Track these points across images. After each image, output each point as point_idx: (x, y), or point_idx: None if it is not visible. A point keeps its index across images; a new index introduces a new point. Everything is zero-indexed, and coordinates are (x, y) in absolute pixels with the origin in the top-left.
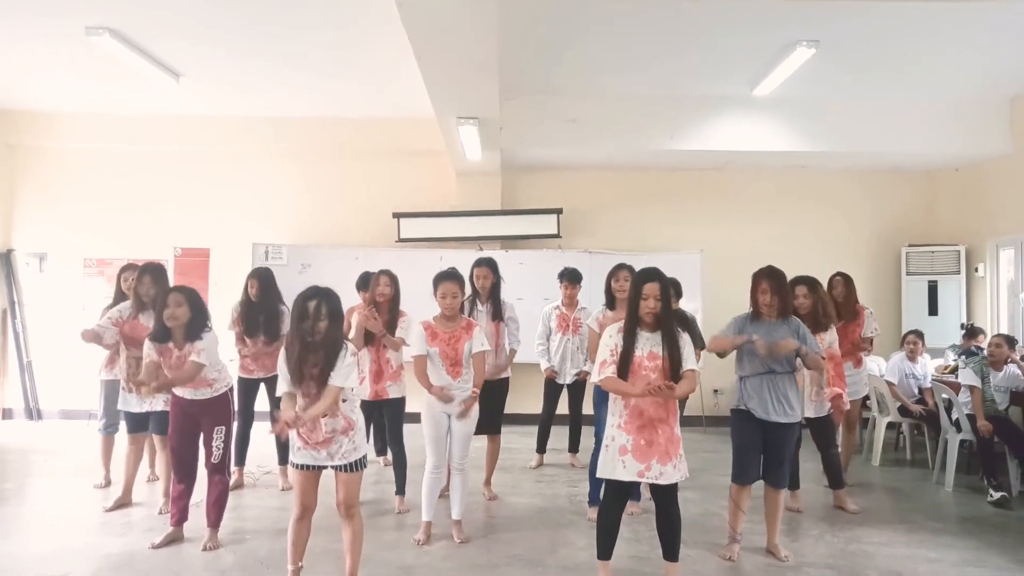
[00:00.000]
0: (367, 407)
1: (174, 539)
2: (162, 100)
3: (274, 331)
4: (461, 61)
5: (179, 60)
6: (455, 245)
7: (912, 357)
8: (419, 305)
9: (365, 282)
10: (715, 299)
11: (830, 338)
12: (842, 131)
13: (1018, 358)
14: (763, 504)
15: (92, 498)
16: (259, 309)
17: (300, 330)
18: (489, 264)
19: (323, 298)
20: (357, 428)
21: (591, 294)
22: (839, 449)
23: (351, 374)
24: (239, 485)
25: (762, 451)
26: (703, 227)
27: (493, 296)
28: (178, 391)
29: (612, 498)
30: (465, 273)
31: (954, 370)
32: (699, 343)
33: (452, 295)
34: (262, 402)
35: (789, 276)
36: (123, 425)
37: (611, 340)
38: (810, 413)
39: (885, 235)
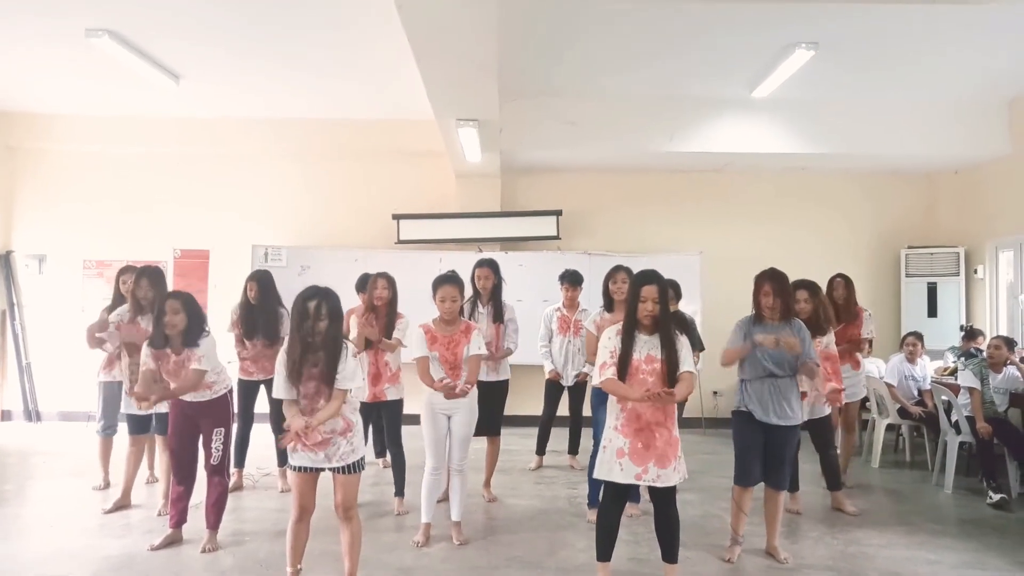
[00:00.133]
0: (365, 409)
1: (173, 541)
2: (162, 101)
3: (273, 333)
4: (461, 62)
5: (179, 61)
6: (455, 247)
7: (911, 359)
8: (419, 307)
9: (364, 284)
10: (714, 301)
11: (827, 339)
12: (841, 133)
13: (1017, 360)
14: (763, 506)
15: (91, 500)
16: (258, 311)
17: (301, 330)
18: (491, 265)
19: (323, 298)
20: (355, 430)
21: (590, 296)
22: (838, 451)
23: (356, 375)
24: (238, 487)
25: (763, 453)
26: (703, 229)
27: (494, 297)
28: None
29: (611, 500)
30: (465, 275)
31: (953, 372)
32: (698, 345)
33: (451, 299)
34: (262, 404)
35: (790, 278)
36: (122, 427)
37: (610, 342)
38: (806, 415)
39: (884, 237)
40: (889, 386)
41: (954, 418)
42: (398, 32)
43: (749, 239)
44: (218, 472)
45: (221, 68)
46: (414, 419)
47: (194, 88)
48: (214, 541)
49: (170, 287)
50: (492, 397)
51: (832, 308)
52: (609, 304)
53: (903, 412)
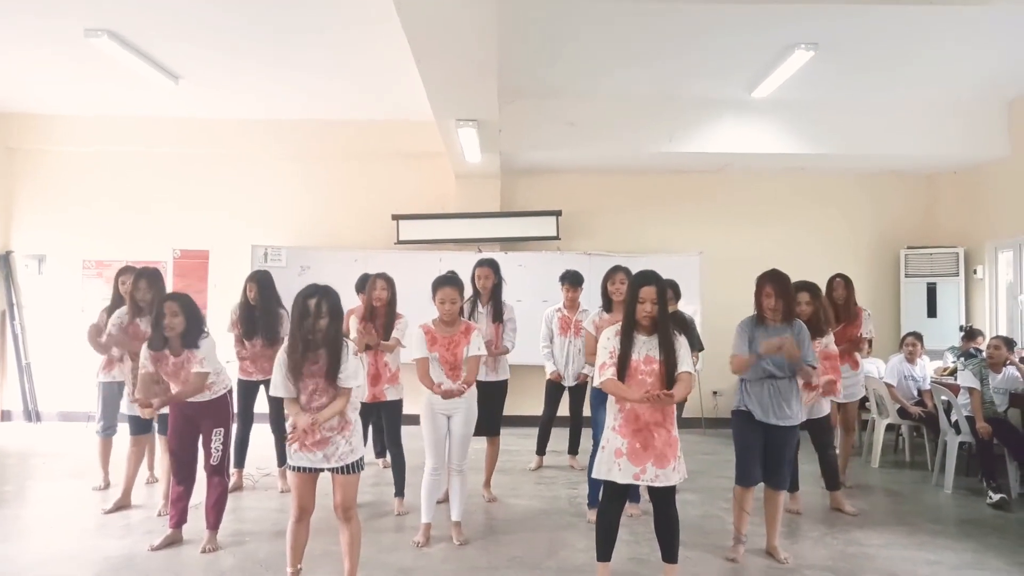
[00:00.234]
0: (365, 409)
1: (173, 541)
2: (161, 102)
3: (273, 334)
4: (460, 63)
5: (178, 62)
6: (454, 247)
7: (911, 359)
8: (418, 307)
9: (364, 284)
10: (714, 301)
11: (826, 340)
12: (841, 133)
13: (1017, 360)
14: (763, 506)
15: (91, 500)
16: (258, 312)
17: (301, 328)
18: (491, 265)
19: (323, 296)
20: (354, 429)
21: (590, 296)
22: (837, 451)
23: (359, 372)
24: (238, 487)
25: (762, 453)
26: (702, 229)
27: (494, 297)
28: None
29: (610, 500)
30: (465, 276)
31: (953, 372)
32: (697, 345)
33: (451, 300)
34: (261, 404)
35: (790, 279)
36: (123, 427)
37: (609, 343)
38: (805, 415)
39: (884, 237)
40: (889, 386)
41: (954, 418)
42: (398, 32)
43: (749, 239)
44: (218, 472)
45: (221, 68)
46: (414, 419)
47: (193, 88)
48: (214, 541)
49: (170, 287)
50: (492, 397)
51: (832, 308)
52: (608, 304)
53: (903, 412)
